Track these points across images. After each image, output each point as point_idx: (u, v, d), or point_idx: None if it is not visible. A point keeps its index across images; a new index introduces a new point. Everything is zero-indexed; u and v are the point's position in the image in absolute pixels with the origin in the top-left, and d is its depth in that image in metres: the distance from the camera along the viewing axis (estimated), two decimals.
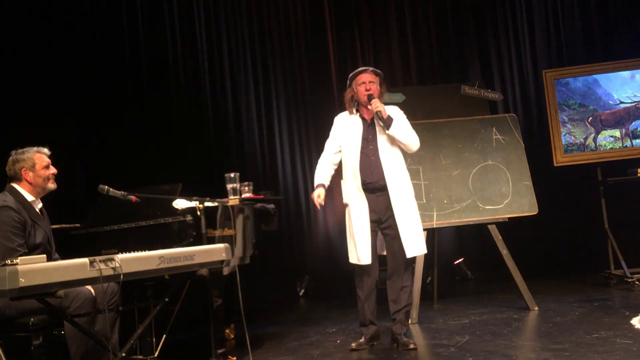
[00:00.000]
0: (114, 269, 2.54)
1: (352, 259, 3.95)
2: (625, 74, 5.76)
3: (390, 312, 3.96)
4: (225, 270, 3.78)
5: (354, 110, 4.03)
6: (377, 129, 3.95)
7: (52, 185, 3.31)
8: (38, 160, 3.26)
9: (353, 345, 3.96)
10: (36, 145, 3.32)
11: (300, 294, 6.76)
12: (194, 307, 4.27)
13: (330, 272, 6.98)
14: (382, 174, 3.89)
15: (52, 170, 3.31)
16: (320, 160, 4.08)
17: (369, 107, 3.89)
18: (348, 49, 7.64)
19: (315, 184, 4.01)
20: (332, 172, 4.07)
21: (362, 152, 3.92)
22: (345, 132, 4.00)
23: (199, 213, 3.46)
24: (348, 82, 4.05)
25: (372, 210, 3.91)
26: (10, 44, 5.61)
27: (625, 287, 5.27)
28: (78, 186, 5.61)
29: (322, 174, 4.03)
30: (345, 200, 4.03)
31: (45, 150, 3.33)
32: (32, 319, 2.98)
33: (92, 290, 3.08)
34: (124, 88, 6.68)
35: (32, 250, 3.11)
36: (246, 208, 4.09)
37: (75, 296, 2.96)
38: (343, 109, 4.14)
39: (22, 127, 5.26)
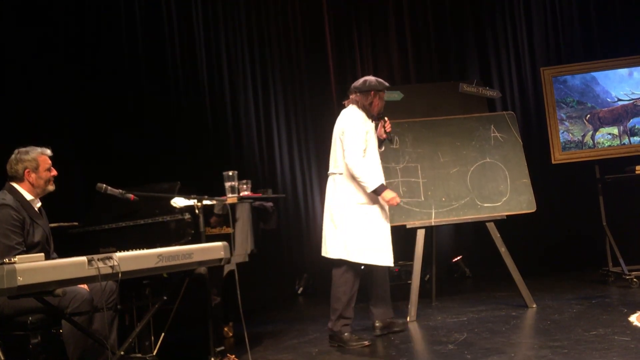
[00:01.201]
0: (112, 267, 2.54)
1: (383, 261, 4.03)
2: (623, 71, 5.76)
3: (380, 300, 4.19)
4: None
5: (369, 116, 4.13)
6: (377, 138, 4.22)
7: (51, 187, 3.32)
8: (42, 162, 3.26)
9: (366, 342, 4.00)
10: (37, 144, 3.31)
11: (299, 292, 6.76)
12: (193, 306, 4.27)
13: (329, 270, 6.96)
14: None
15: (53, 172, 3.32)
16: (361, 160, 3.95)
17: (382, 122, 4.15)
18: (346, 46, 7.63)
19: (377, 184, 3.94)
20: None
21: (380, 158, 4.16)
22: (367, 135, 4.05)
23: (197, 211, 3.46)
24: (369, 87, 4.08)
25: None
26: (9, 45, 5.59)
27: (623, 285, 5.28)
28: (77, 185, 5.60)
29: (376, 174, 4.03)
30: (362, 201, 4.03)
31: (48, 151, 3.33)
32: (30, 318, 2.98)
33: (87, 289, 3.08)
34: (123, 88, 6.66)
35: (30, 248, 3.12)
36: (245, 206, 4.09)
37: (73, 297, 2.96)
38: (341, 108, 4.19)
39: (22, 126, 5.25)
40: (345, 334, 4.01)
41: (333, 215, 4.07)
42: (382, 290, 4.25)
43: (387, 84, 4.17)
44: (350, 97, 4.15)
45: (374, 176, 3.97)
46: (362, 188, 3.98)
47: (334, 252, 4.05)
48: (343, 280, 4.04)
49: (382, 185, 3.95)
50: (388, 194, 3.93)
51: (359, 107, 4.09)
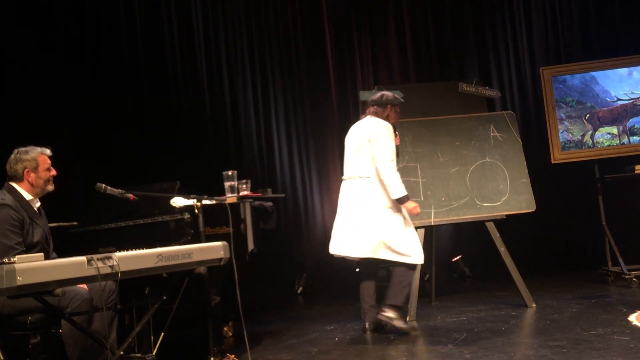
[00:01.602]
0: (111, 267, 2.54)
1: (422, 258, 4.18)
2: (623, 71, 5.76)
3: (376, 301, 4.28)
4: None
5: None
6: None
7: (51, 187, 3.32)
8: (41, 162, 3.26)
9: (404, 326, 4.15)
10: (37, 144, 3.32)
11: (299, 291, 6.77)
12: (192, 305, 4.27)
13: (328, 270, 6.98)
14: None
15: (53, 172, 3.32)
16: (393, 166, 4.09)
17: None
18: (346, 46, 7.64)
19: (403, 194, 4.06)
20: None
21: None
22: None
23: (196, 211, 3.46)
24: (385, 101, 4.24)
25: None
26: (9, 45, 5.59)
27: (623, 284, 5.29)
28: (77, 185, 5.60)
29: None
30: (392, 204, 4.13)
31: (48, 151, 3.33)
32: (29, 318, 2.98)
33: (87, 289, 3.08)
34: (123, 88, 6.66)
35: (29, 248, 3.12)
36: (247, 206, 4.10)
37: (73, 297, 2.96)
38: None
39: (22, 126, 5.25)
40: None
41: (365, 217, 4.11)
42: (379, 293, 4.35)
43: (402, 99, 4.38)
44: (368, 110, 4.31)
45: (401, 185, 4.09)
46: (388, 193, 4.09)
47: (366, 252, 4.11)
48: (405, 272, 4.17)
49: (406, 195, 4.08)
50: (411, 204, 4.09)
51: (393, 122, 4.26)
